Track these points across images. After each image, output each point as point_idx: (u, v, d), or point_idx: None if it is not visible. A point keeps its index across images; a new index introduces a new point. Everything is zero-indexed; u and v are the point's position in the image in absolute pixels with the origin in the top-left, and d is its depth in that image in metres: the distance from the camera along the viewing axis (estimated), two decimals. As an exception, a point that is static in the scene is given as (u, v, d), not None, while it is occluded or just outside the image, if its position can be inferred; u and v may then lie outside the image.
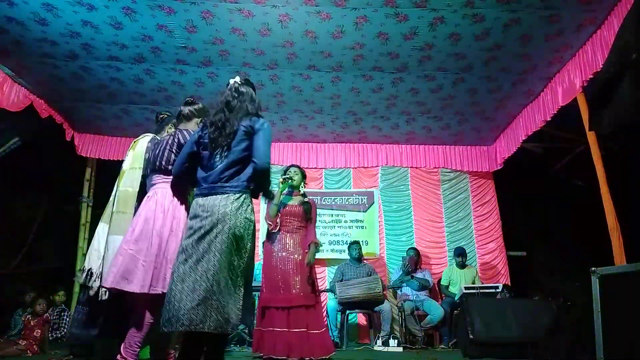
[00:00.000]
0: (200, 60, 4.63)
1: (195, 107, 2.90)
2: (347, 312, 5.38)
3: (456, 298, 5.49)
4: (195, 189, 2.37)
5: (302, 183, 4.03)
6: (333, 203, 6.64)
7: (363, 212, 6.66)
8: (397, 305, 5.75)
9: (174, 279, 2.15)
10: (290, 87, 5.11)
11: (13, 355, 4.28)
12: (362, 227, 6.61)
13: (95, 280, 2.77)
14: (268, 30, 4.13)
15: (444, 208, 6.70)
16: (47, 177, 7.01)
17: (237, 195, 2.24)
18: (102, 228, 2.90)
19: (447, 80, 4.91)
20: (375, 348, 5.00)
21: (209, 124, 2.38)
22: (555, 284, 6.90)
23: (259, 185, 2.33)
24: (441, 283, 6.02)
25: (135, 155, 2.96)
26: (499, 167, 6.49)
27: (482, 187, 6.80)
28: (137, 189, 2.82)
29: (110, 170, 6.61)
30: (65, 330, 5.60)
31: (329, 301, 5.61)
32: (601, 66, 3.80)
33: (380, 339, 5.07)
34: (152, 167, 2.71)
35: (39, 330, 4.54)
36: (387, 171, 6.82)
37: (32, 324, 4.56)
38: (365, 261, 5.86)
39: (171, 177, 2.57)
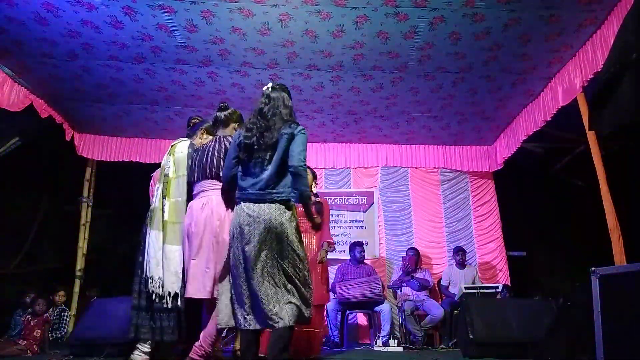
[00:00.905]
0: (201, 60, 4.63)
1: (229, 111, 2.94)
2: (347, 312, 5.37)
3: (456, 298, 5.49)
4: (237, 194, 2.47)
5: (313, 183, 4.04)
6: (333, 203, 6.64)
7: (363, 212, 6.67)
8: (397, 305, 5.75)
9: (249, 283, 2.31)
10: (290, 87, 5.04)
11: (13, 355, 4.29)
12: (362, 227, 6.61)
13: (159, 288, 2.81)
14: (268, 29, 4.13)
15: (443, 208, 6.70)
16: (47, 177, 7.01)
17: (285, 202, 2.38)
18: (155, 236, 2.87)
19: (447, 79, 4.91)
20: (375, 348, 5.01)
21: (246, 130, 2.47)
22: (555, 284, 6.91)
23: (294, 188, 2.38)
24: (441, 283, 6.01)
25: (176, 162, 2.98)
26: (499, 167, 6.48)
27: (482, 187, 6.80)
28: (186, 198, 2.90)
29: (110, 171, 6.65)
30: (65, 330, 5.59)
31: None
32: (601, 66, 3.80)
33: (380, 339, 5.07)
34: (201, 174, 2.78)
35: (39, 330, 4.55)
36: (386, 171, 6.82)
37: (32, 324, 4.57)
38: (365, 261, 5.86)
39: (216, 182, 2.72)
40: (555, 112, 4.79)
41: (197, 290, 2.62)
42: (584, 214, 5.48)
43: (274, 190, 2.36)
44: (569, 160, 6.49)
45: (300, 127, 2.43)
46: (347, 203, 6.71)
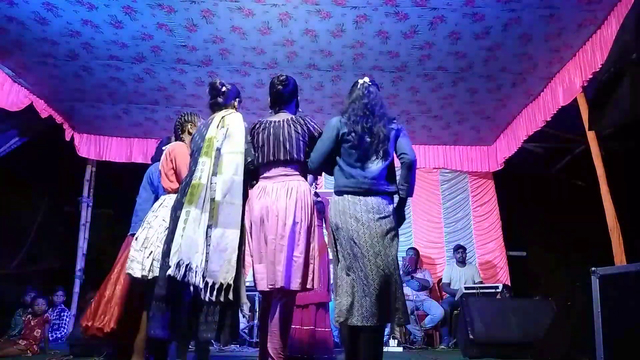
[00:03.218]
0: (201, 59, 4.63)
1: (293, 86, 2.77)
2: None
3: (456, 297, 5.49)
4: (340, 184, 2.45)
5: (314, 183, 4.05)
6: (333, 203, 6.63)
7: (363, 212, 6.65)
8: (397, 305, 5.74)
9: (359, 275, 2.29)
10: (290, 87, 5.11)
11: (13, 355, 4.28)
12: (362, 227, 6.59)
13: (197, 276, 2.27)
14: (268, 29, 4.13)
15: (443, 208, 6.70)
16: (47, 177, 7.01)
17: (392, 196, 2.47)
18: (196, 215, 2.35)
19: (447, 79, 4.91)
20: (375, 348, 4.99)
21: (352, 121, 2.48)
22: (555, 284, 6.90)
23: (405, 181, 2.46)
24: (443, 281, 6.01)
25: (231, 137, 2.54)
26: (500, 168, 6.48)
27: (482, 187, 6.80)
28: (243, 177, 2.49)
29: (110, 171, 6.65)
30: (65, 330, 5.60)
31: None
32: (601, 66, 3.80)
33: (380, 338, 5.06)
34: (280, 156, 2.52)
35: (39, 330, 4.54)
36: (386, 171, 6.80)
37: (32, 324, 4.56)
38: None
39: (298, 166, 2.55)
40: (555, 112, 4.79)
41: (289, 280, 2.34)
42: (584, 214, 5.47)
43: (384, 183, 2.43)
44: (569, 160, 6.49)
45: (401, 125, 2.57)
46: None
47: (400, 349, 4.87)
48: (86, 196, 6.48)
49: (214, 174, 2.44)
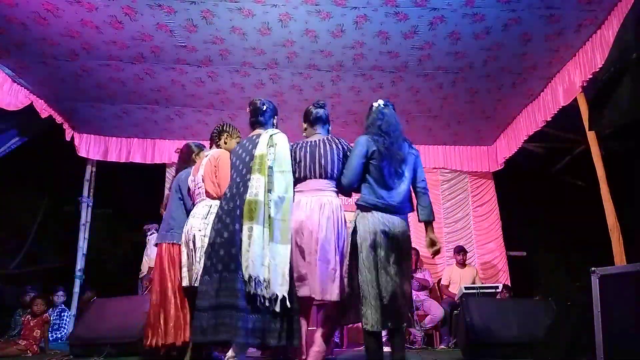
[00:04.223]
0: (200, 60, 4.63)
1: (326, 109, 2.98)
2: (347, 312, 5.35)
3: (456, 298, 5.48)
4: (369, 201, 2.61)
5: None
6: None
7: (363, 212, 6.65)
8: (397, 305, 5.74)
9: (388, 283, 2.49)
10: (290, 87, 5.11)
11: (13, 355, 4.28)
12: (362, 227, 6.59)
13: (265, 289, 2.44)
14: (268, 29, 4.13)
15: (442, 208, 6.69)
16: (47, 177, 7.02)
17: (407, 217, 2.70)
18: (259, 232, 2.49)
19: (447, 79, 4.91)
20: (375, 348, 4.99)
21: (380, 141, 2.64)
22: (555, 284, 6.91)
23: (425, 205, 2.78)
24: (441, 283, 6.01)
25: (279, 155, 2.67)
26: (500, 168, 6.48)
27: (482, 187, 6.80)
28: (292, 195, 2.67)
29: (110, 171, 6.66)
30: (65, 330, 5.59)
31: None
32: (601, 66, 3.80)
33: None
34: (317, 172, 2.71)
35: (39, 330, 4.54)
36: (387, 171, 6.80)
37: (32, 324, 4.56)
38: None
39: (333, 183, 2.73)
40: (555, 112, 4.79)
41: (325, 292, 2.55)
42: (584, 214, 5.48)
43: (406, 204, 2.68)
44: (569, 160, 6.49)
45: (415, 148, 2.80)
46: (346, 203, 6.69)
47: (400, 349, 4.86)
48: (86, 196, 6.47)
49: (269, 191, 2.58)
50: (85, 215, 6.43)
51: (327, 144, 2.77)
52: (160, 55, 4.55)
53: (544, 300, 4.11)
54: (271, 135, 2.71)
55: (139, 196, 7.71)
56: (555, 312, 3.51)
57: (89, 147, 6.33)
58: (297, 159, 2.76)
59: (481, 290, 5.18)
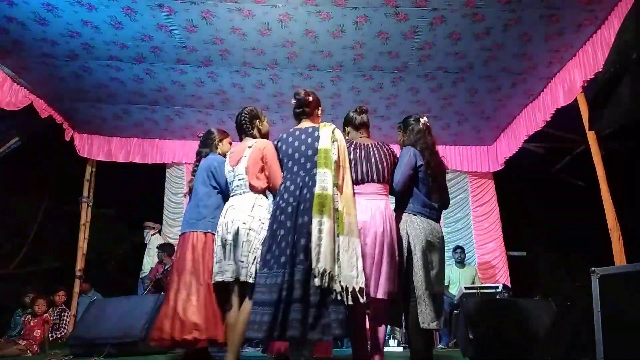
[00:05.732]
0: (200, 60, 4.63)
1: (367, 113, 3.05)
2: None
3: (455, 300, 5.48)
4: (415, 209, 2.81)
5: None
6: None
7: (363, 212, 6.65)
8: (397, 305, 5.74)
9: (434, 284, 2.71)
10: (291, 87, 5.10)
11: (13, 355, 4.28)
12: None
13: (336, 283, 2.41)
14: (268, 29, 4.13)
15: (443, 208, 6.69)
16: (47, 177, 7.02)
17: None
18: (330, 226, 2.47)
19: (447, 79, 4.91)
20: (375, 348, 4.99)
21: (422, 157, 2.84)
22: (555, 284, 6.91)
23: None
24: (441, 283, 6.01)
25: (341, 151, 2.70)
26: (500, 168, 6.48)
27: (482, 187, 6.79)
28: (352, 191, 2.68)
29: (110, 171, 6.66)
30: (65, 330, 5.59)
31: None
32: (601, 66, 3.80)
33: (380, 339, 5.06)
34: (373, 176, 2.78)
35: (39, 330, 4.54)
36: (387, 171, 6.80)
37: (32, 324, 4.56)
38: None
39: (386, 187, 2.84)
40: (555, 112, 4.79)
41: (386, 292, 2.64)
42: (584, 214, 5.48)
43: (441, 212, 2.96)
44: (569, 160, 6.49)
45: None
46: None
47: (400, 349, 4.87)
48: (86, 196, 6.47)
49: (335, 185, 2.60)
50: (85, 215, 6.42)
51: (379, 149, 2.86)
52: (160, 56, 4.55)
53: (544, 300, 4.11)
54: (332, 131, 2.72)
55: (139, 196, 7.73)
56: (555, 312, 3.51)
57: (89, 147, 6.33)
58: (353, 161, 2.80)
59: (481, 290, 5.18)
